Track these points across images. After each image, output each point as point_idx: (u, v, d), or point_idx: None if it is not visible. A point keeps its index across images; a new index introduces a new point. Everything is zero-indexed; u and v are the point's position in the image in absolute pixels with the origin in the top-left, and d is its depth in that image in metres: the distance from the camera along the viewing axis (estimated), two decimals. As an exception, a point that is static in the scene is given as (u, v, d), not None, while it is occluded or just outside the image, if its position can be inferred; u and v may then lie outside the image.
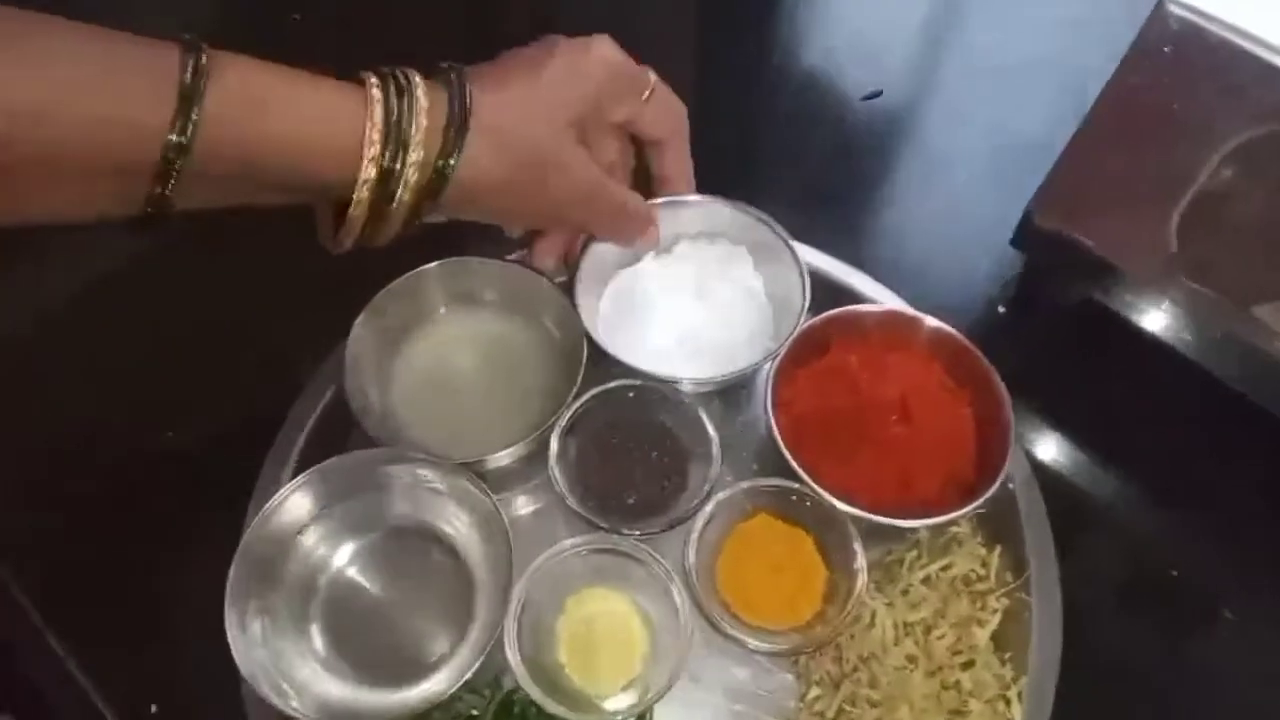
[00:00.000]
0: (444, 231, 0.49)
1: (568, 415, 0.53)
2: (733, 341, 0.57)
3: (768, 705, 0.50)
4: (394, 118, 0.39)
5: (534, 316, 0.58)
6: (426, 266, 0.55)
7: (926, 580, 0.51)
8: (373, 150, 0.39)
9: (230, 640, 0.46)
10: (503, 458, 0.51)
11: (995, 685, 0.48)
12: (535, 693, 0.46)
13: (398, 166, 0.40)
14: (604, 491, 0.54)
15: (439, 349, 0.57)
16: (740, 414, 0.59)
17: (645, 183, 0.55)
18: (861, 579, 0.49)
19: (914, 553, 0.52)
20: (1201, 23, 0.46)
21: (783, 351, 0.54)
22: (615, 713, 0.48)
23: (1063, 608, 0.51)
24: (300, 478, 0.50)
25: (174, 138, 0.34)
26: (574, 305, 0.54)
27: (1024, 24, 0.80)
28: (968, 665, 0.49)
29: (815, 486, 0.50)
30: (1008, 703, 0.48)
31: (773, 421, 0.51)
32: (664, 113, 0.51)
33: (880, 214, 0.70)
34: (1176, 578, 0.56)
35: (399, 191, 0.40)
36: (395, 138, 0.39)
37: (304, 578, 0.51)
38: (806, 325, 0.54)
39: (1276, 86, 0.46)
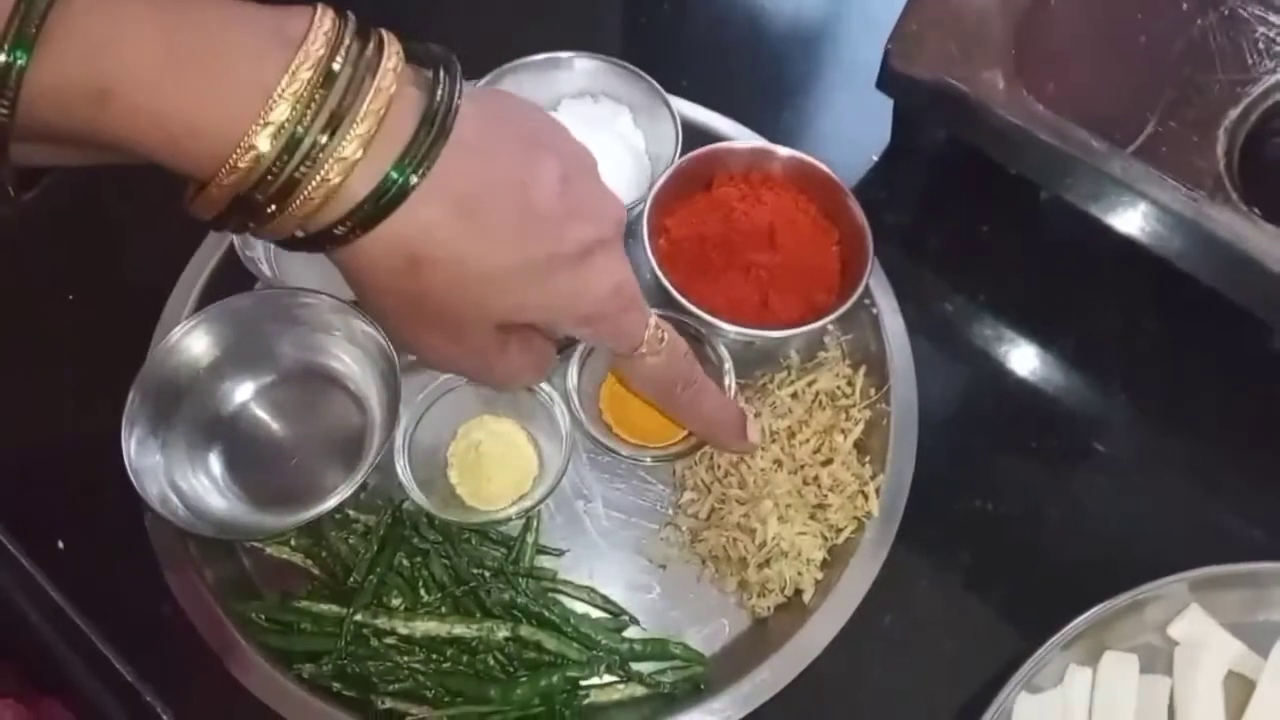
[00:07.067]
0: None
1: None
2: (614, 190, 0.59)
3: (647, 513, 0.54)
4: (332, 86, 0.28)
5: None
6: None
7: (795, 395, 0.55)
8: (275, 114, 0.27)
9: (125, 456, 0.47)
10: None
11: (855, 482, 0.52)
12: (423, 500, 0.49)
13: (306, 155, 0.28)
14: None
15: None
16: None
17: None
18: (730, 392, 0.52)
19: (784, 374, 0.56)
20: None
21: (660, 185, 0.56)
22: (499, 518, 0.51)
23: (930, 428, 0.54)
24: (197, 315, 0.52)
25: None
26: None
27: None
28: (827, 463, 0.52)
29: (685, 302, 0.53)
30: (866, 497, 0.52)
31: (648, 247, 0.54)
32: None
33: (758, 71, 0.71)
34: (1044, 408, 0.59)
35: (304, 189, 0.28)
36: (315, 117, 0.28)
37: (203, 411, 0.53)
38: (682, 161, 0.57)
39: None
